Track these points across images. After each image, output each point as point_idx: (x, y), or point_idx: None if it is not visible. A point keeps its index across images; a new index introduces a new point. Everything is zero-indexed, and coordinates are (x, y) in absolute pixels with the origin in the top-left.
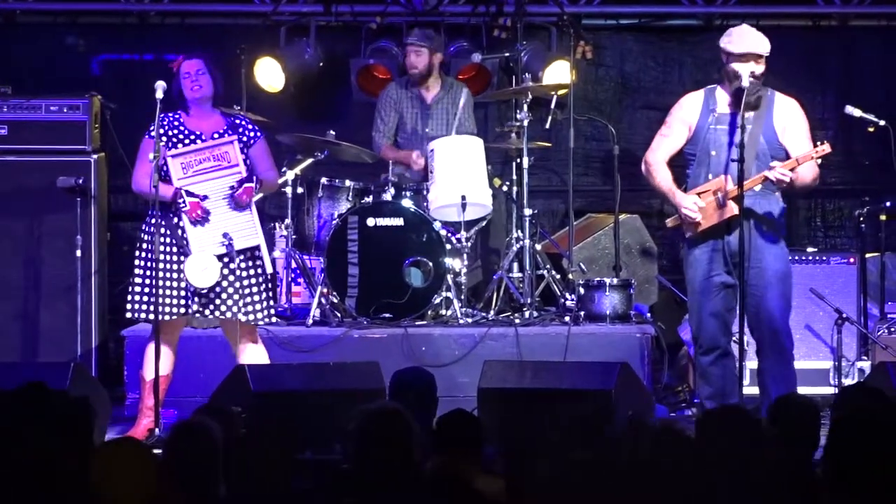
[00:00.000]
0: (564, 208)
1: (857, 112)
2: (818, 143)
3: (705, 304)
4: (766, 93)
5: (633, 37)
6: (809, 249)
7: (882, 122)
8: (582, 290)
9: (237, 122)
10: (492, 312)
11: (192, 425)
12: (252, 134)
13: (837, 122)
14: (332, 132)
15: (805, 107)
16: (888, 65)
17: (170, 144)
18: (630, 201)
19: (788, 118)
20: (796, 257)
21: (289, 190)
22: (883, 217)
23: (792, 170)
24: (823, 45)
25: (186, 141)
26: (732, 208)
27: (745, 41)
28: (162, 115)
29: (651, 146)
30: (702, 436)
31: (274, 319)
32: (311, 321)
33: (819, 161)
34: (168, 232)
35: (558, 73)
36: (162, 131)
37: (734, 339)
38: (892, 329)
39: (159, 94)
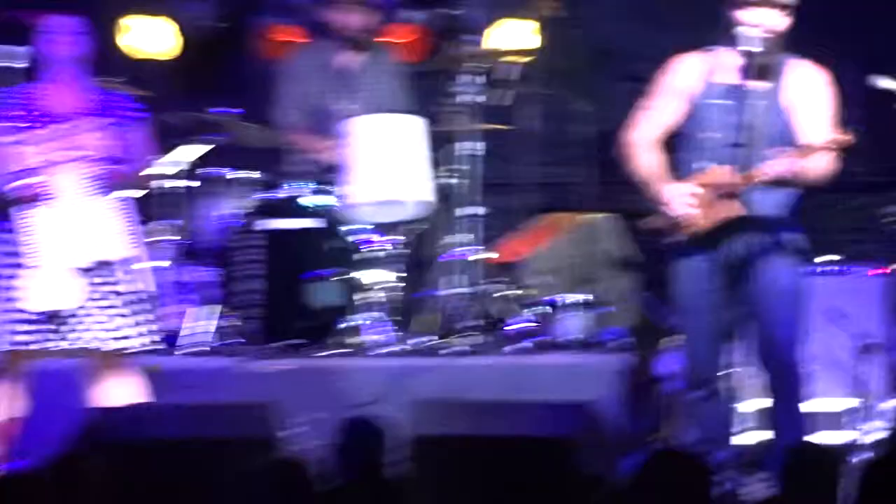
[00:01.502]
0: (521, 206)
1: (887, 83)
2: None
3: (698, 327)
4: (782, 58)
5: None
6: (825, 258)
7: None
8: (541, 310)
9: (111, 99)
10: (425, 338)
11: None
12: (129, 114)
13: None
14: (228, 110)
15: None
16: None
17: (14, 129)
18: (607, 197)
19: (804, 93)
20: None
21: (173, 184)
22: None
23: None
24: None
25: (38, 124)
26: (731, 207)
27: None
28: (4, 92)
29: (631, 123)
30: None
31: (151, 346)
32: (198, 349)
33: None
34: (10, 240)
35: (515, 34)
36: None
37: (732, 371)
38: None
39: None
